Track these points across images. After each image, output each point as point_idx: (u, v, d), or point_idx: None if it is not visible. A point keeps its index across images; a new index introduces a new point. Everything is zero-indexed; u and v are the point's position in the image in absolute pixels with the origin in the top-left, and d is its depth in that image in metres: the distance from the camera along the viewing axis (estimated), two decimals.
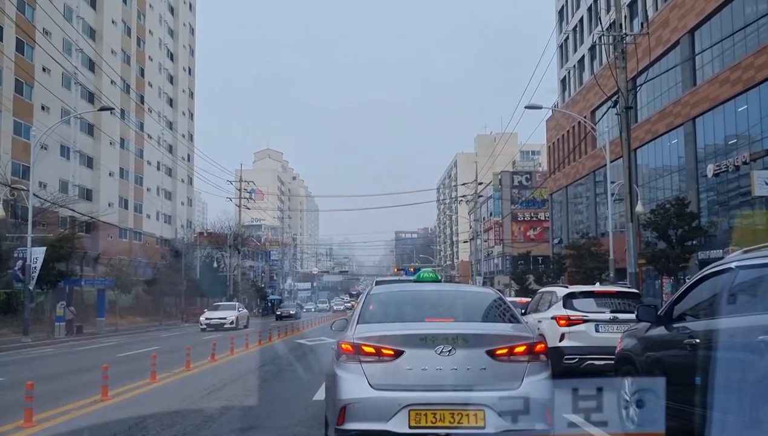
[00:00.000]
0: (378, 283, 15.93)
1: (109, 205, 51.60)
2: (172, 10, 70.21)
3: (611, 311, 10.58)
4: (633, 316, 10.27)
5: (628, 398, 6.27)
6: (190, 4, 76.60)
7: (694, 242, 25.44)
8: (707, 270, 5.62)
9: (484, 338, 4.94)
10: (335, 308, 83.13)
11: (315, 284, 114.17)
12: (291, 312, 51.58)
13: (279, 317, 49.19)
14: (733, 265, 5.13)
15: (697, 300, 5.71)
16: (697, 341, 5.20)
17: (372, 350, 4.84)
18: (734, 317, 4.92)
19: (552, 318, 10.83)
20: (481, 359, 4.76)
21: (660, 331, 6.07)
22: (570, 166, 49.14)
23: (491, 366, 4.76)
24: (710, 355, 4.94)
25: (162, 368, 12.46)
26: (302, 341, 22.64)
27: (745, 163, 25.43)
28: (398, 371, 4.75)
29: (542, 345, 5.00)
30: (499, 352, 4.80)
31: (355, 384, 4.77)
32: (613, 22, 21.01)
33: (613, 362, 7.43)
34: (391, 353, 4.79)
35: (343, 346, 5.00)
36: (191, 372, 12.79)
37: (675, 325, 5.84)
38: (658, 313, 6.20)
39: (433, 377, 4.72)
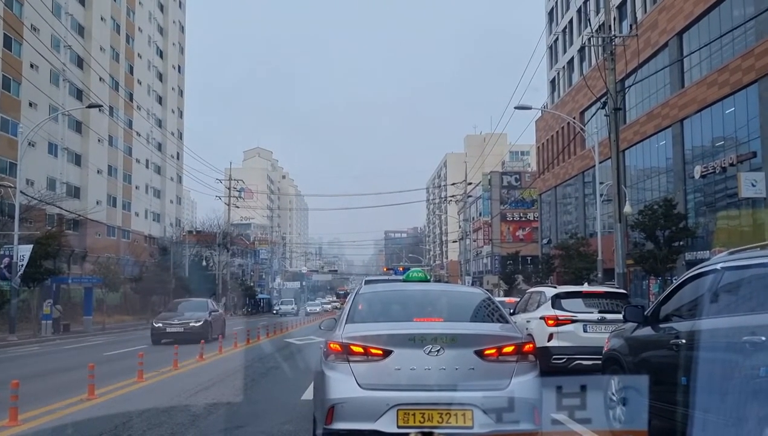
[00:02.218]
0: (367, 282, 15.90)
1: (98, 202, 51.24)
2: (161, 7, 69.81)
3: (599, 312, 10.65)
4: (621, 316, 10.40)
5: (614, 398, 6.32)
6: (180, 2, 76.19)
7: (681, 243, 25.64)
8: (694, 271, 5.67)
9: (472, 338, 4.95)
10: (309, 309, 65.81)
11: (304, 284, 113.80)
12: (193, 324, 21.53)
13: (159, 334, 21.68)
14: (718, 266, 5.17)
15: (684, 301, 5.76)
16: (683, 341, 5.25)
17: (360, 349, 4.84)
18: (720, 317, 4.96)
19: (540, 318, 10.88)
20: (470, 359, 4.77)
21: (647, 331, 6.12)
22: (559, 166, 49.35)
23: (479, 366, 4.77)
24: (696, 355, 4.98)
25: (150, 367, 12.40)
26: (290, 340, 22.60)
27: (731, 164, 25.66)
28: (387, 370, 4.76)
29: (531, 345, 5.02)
30: (487, 352, 4.81)
31: (344, 384, 4.77)
32: (603, 23, 21.10)
33: (600, 362, 7.49)
34: (380, 352, 4.80)
35: (331, 345, 5.00)
36: (179, 371, 12.73)
37: (661, 325, 5.89)
38: (645, 313, 6.25)
39: (421, 377, 4.73)
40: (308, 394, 8.34)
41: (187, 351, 15.99)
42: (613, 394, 6.36)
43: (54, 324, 30.57)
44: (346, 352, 4.87)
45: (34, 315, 30.73)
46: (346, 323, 5.31)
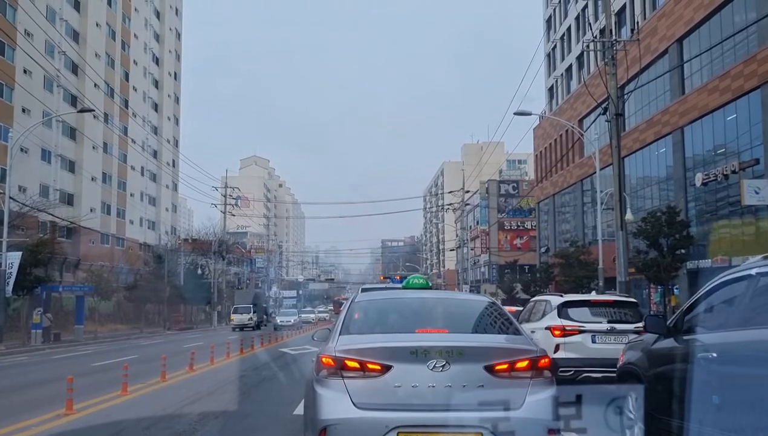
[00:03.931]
0: (364, 290, 15.37)
1: (91, 210, 50.67)
2: (158, 14, 69.57)
3: (608, 321, 10.14)
4: (631, 326, 9.93)
5: (633, 416, 5.84)
6: (177, 9, 75.96)
7: (684, 251, 25.21)
8: (722, 277, 5.16)
9: (481, 351, 4.45)
10: (281, 321, 48.15)
11: (301, 292, 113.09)
12: None
13: None
14: (753, 272, 4.68)
15: (712, 310, 5.26)
16: (714, 354, 4.75)
17: (356, 364, 4.34)
18: (756, 329, 4.47)
19: (546, 328, 10.36)
20: (479, 375, 4.28)
21: (669, 343, 5.61)
22: (557, 174, 49.01)
23: (490, 383, 4.28)
24: (728, 370, 4.51)
25: (136, 379, 11.89)
26: (285, 350, 22.07)
27: (734, 172, 25.26)
28: (385, 388, 4.26)
29: (546, 360, 4.52)
30: (498, 367, 4.32)
31: (337, 403, 4.27)
32: (603, 28, 20.74)
33: (610, 374, 7.00)
34: (378, 367, 4.30)
35: (323, 360, 4.49)
36: (167, 383, 12.19)
37: (686, 337, 5.37)
38: (668, 324, 5.75)
39: (424, 396, 4.23)
40: (301, 408, 7.83)
41: (178, 362, 15.46)
42: (630, 411, 5.88)
43: (44, 333, 29.95)
44: (339, 367, 4.38)
45: (23, 324, 30.13)
46: (340, 335, 4.79)
